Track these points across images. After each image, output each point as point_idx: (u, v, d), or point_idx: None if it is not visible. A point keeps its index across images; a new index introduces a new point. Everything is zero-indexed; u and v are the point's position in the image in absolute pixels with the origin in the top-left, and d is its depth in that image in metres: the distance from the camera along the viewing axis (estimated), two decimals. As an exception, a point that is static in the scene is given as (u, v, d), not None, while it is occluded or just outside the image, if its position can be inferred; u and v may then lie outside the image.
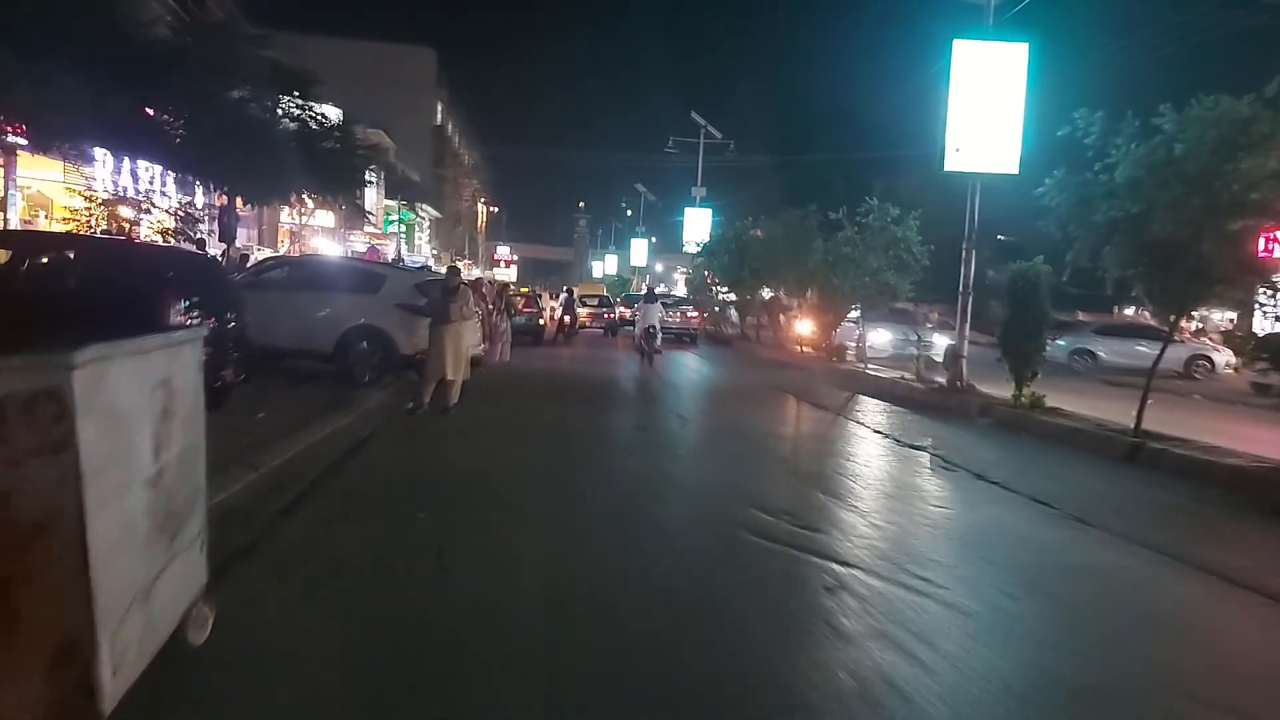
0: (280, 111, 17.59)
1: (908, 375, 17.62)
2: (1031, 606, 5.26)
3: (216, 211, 20.90)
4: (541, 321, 27.11)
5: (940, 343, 18.10)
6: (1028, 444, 11.65)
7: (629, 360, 22.75)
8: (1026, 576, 5.83)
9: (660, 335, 21.64)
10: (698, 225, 44.00)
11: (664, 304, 27.01)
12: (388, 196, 70.27)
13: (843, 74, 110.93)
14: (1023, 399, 13.38)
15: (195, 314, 9.38)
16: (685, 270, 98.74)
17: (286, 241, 49.22)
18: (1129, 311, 47.16)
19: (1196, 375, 25.91)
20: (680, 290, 77.90)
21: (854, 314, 22.06)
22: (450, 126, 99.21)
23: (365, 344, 13.41)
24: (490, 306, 19.40)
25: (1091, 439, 11.17)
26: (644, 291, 28.28)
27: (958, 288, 15.78)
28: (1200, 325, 45.38)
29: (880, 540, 6.37)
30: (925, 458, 10.17)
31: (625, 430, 11.39)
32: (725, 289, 34.98)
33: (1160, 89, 12.46)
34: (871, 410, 14.45)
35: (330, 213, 52.59)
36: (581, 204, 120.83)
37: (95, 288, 8.70)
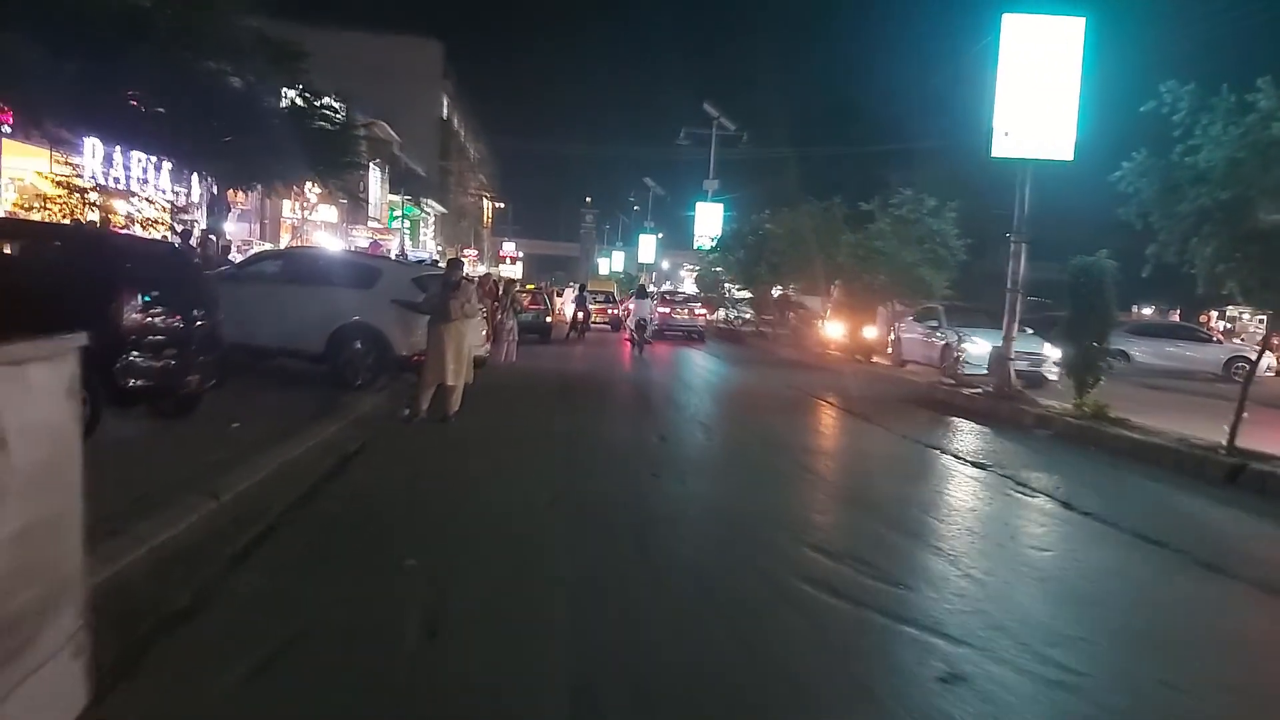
0: (265, 87, 16.13)
1: (947, 380, 16.33)
2: (1208, 703, 3.98)
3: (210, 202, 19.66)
4: (548, 319, 25.84)
5: (980, 347, 16.77)
6: (1103, 462, 10.34)
7: (637, 356, 21.48)
8: (1180, 655, 4.55)
9: (651, 327, 24.54)
10: (709, 220, 42.66)
11: (674, 300, 29.71)
12: (392, 191, 69.24)
13: (861, 64, 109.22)
14: (1085, 408, 12.08)
15: (158, 310, 8.14)
16: (693, 267, 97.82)
17: (288, 236, 48.07)
18: (1146, 310, 45.77)
19: (1236, 377, 24.57)
20: (686, 287, 76.82)
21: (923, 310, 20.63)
22: (456, 120, 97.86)
23: (358, 344, 12.18)
24: (495, 303, 18.14)
25: (1178, 457, 9.85)
26: (637, 289, 30.26)
27: (980, 286, 14.50)
28: (1229, 325, 43.87)
29: (984, 600, 5.08)
30: (995, 479, 8.88)
31: (645, 443, 10.11)
32: (738, 286, 33.67)
33: (1232, 66, 11.19)
34: (916, 419, 13.16)
35: (332, 206, 51.50)
36: (589, 199, 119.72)
37: (32, 279, 7.44)
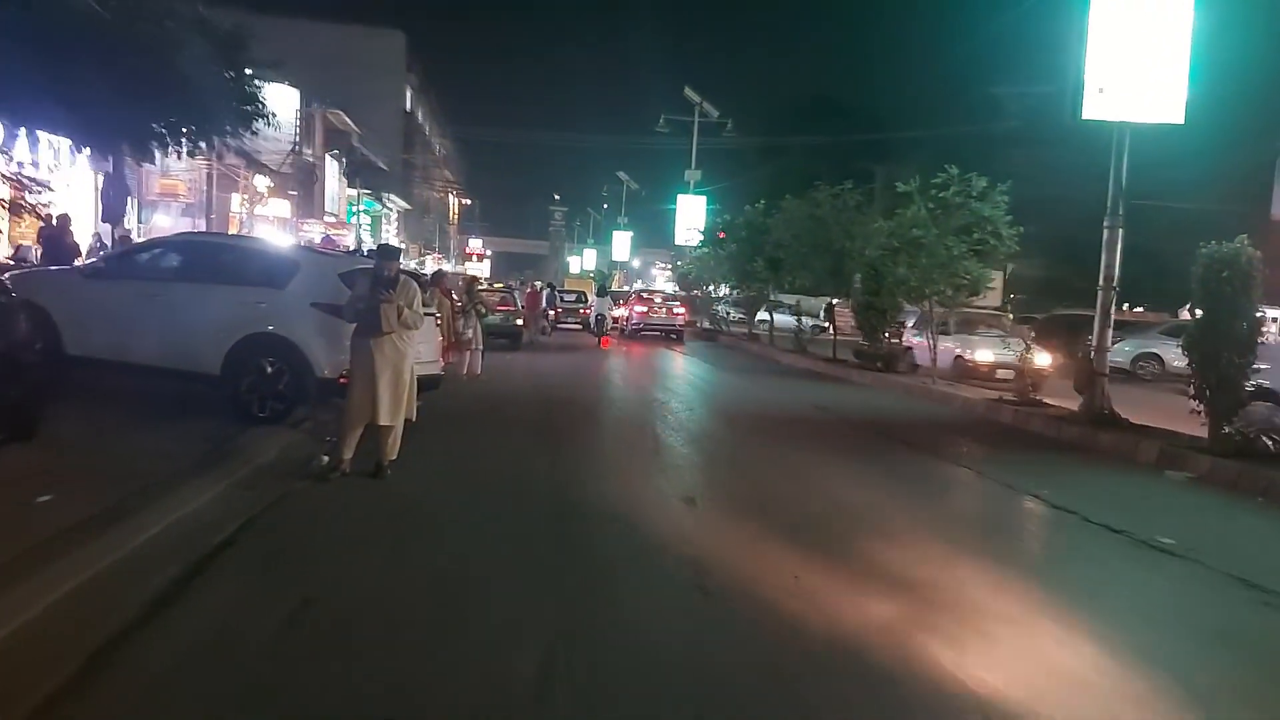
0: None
1: (1008, 396, 13.43)
2: None
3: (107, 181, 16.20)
4: (519, 322, 22.73)
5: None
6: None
7: (625, 367, 18.43)
8: None
9: (609, 322, 29.02)
10: (691, 214, 39.62)
11: (651, 300, 31.02)
12: (351, 185, 65.61)
13: (855, 45, 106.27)
14: (1233, 437, 9.22)
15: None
16: (666, 266, 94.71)
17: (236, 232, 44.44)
18: (1139, 309, 43.30)
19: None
20: (659, 285, 73.75)
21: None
22: (420, 114, 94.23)
23: (267, 362, 9.03)
24: (455, 306, 15.03)
25: None
26: (598, 288, 32.41)
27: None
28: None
29: None
30: (1186, 567, 5.95)
31: (671, 511, 7.04)
32: (730, 284, 30.67)
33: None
34: (1004, 455, 10.25)
35: (284, 200, 47.91)
36: (557, 196, 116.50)
37: None
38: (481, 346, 15.60)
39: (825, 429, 11.95)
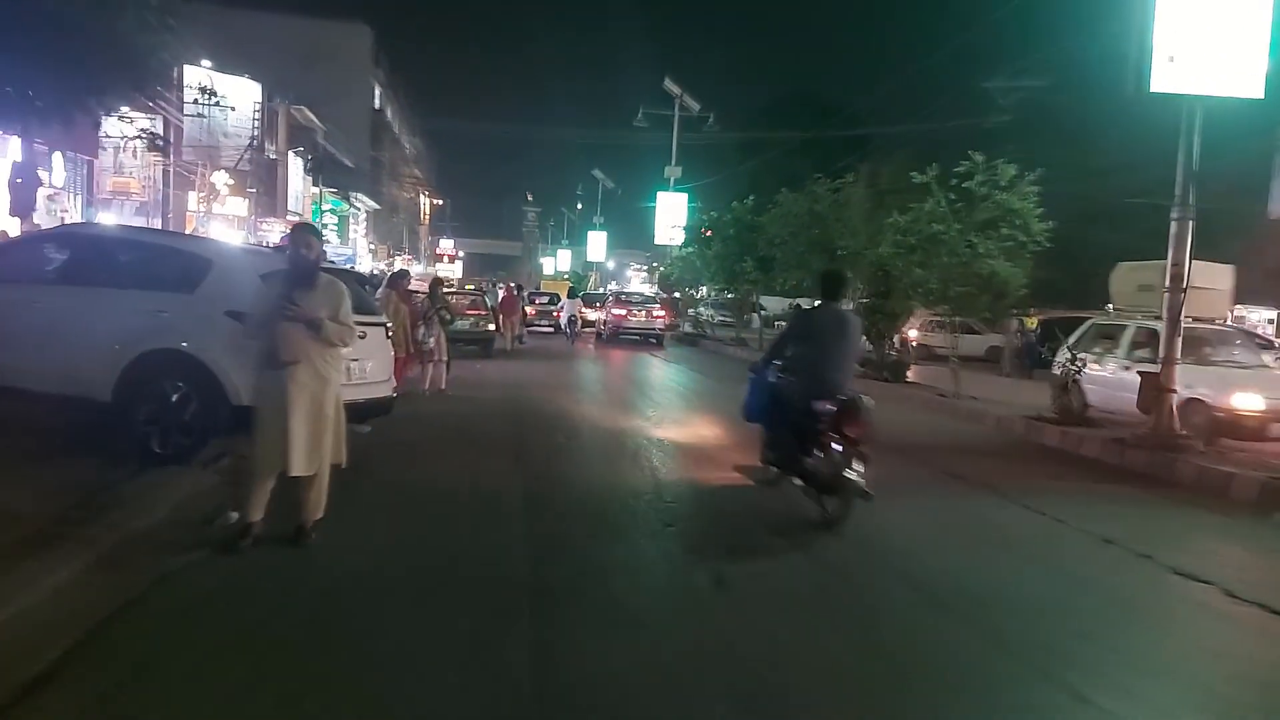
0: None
1: (1046, 414, 11.79)
2: None
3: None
4: (491, 327, 20.84)
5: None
6: None
7: (607, 377, 16.65)
8: None
9: (580, 323, 28.86)
10: (672, 212, 37.85)
11: (629, 303, 29.53)
12: (316, 183, 63.35)
13: (838, 38, 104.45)
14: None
15: None
16: (642, 267, 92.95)
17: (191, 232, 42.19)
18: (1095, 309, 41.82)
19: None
20: (634, 287, 72.02)
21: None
22: (390, 112, 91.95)
23: (170, 385, 7.21)
24: (412, 312, 13.24)
25: None
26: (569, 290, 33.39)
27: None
28: None
29: None
30: None
31: (698, 596, 5.27)
32: (717, 286, 28.95)
33: None
34: (1073, 496, 8.55)
35: (241, 198, 45.68)
36: (530, 196, 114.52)
37: None
38: (447, 358, 13.77)
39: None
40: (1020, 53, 39.75)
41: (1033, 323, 19.08)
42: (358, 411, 8.18)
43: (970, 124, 39.92)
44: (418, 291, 15.13)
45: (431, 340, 13.54)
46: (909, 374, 16.46)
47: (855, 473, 6.32)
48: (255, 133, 44.74)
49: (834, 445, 6.50)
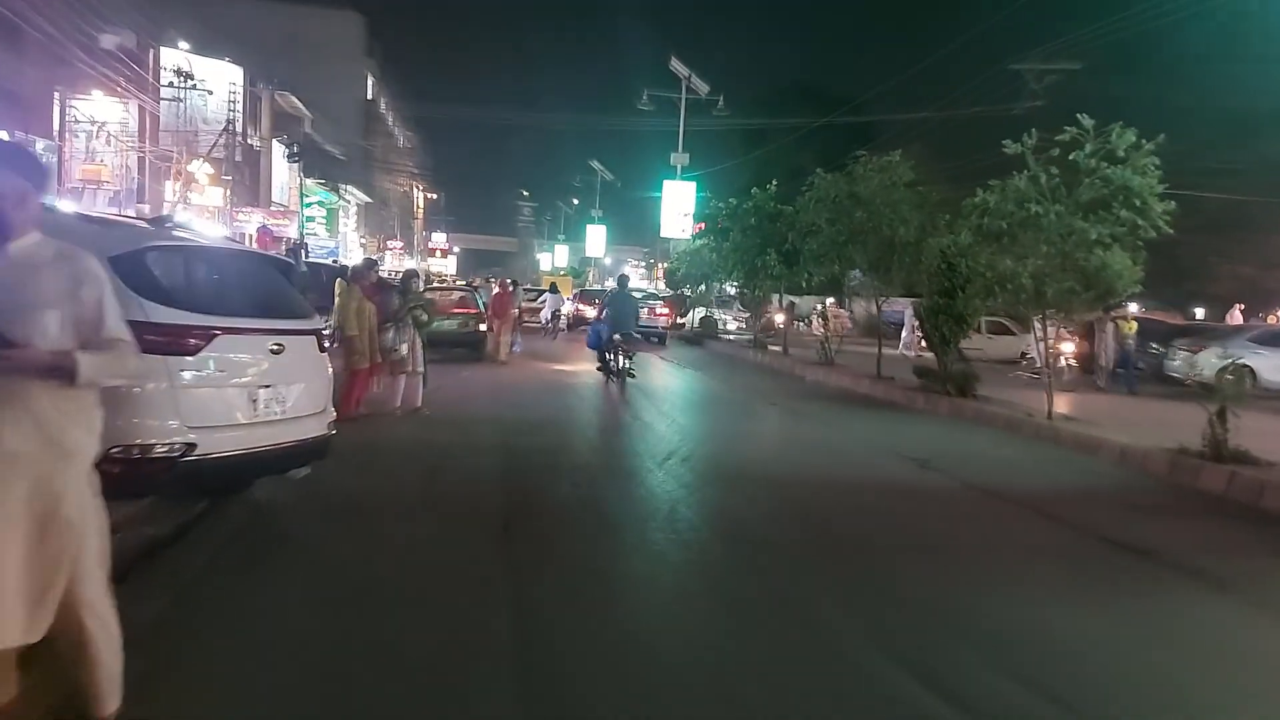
0: None
1: (1189, 447, 9.11)
2: None
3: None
4: (481, 327, 18.11)
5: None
6: None
7: (616, 390, 13.97)
8: None
9: (564, 320, 29.83)
10: (680, 202, 35.16)
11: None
12: (305, 174, 60.56)
13: (856, 18, 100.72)
14: None
15: None
16: (639, 263, 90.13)
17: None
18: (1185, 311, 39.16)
19: None
20: (633, 284, 69.26)
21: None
22: (383, 103, 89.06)
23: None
24: (379, 310, 10.61)
25: None
26: (550, 285, 32.59)
27: None
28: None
29: None
30: None
31: None
32: (735, 283, 26.22)
33: None
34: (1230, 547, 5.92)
35: (220, 187, 42.92)
36: (526, 193, 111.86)
37: None
38: (423, 368, 11.08)
39: (958, 512, 7.47)
40: (1053, 33, 37.22)
41: (1132, 326, 16.36)
42: (268, 465, 5.52)
43: (997, 110, 37.50)
44: (390, 281, 12.44)
45: (404, 347, 10.87)
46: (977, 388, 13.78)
47: (628, 365, 14.15)
48: (231, 115, 41.89)
49: (621, 353, 14.16)
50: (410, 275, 12.04)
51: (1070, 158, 10.64)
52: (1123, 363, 16.29)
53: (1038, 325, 13.07)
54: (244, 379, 5.26)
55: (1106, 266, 10.65)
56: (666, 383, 17.11)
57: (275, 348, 5.41)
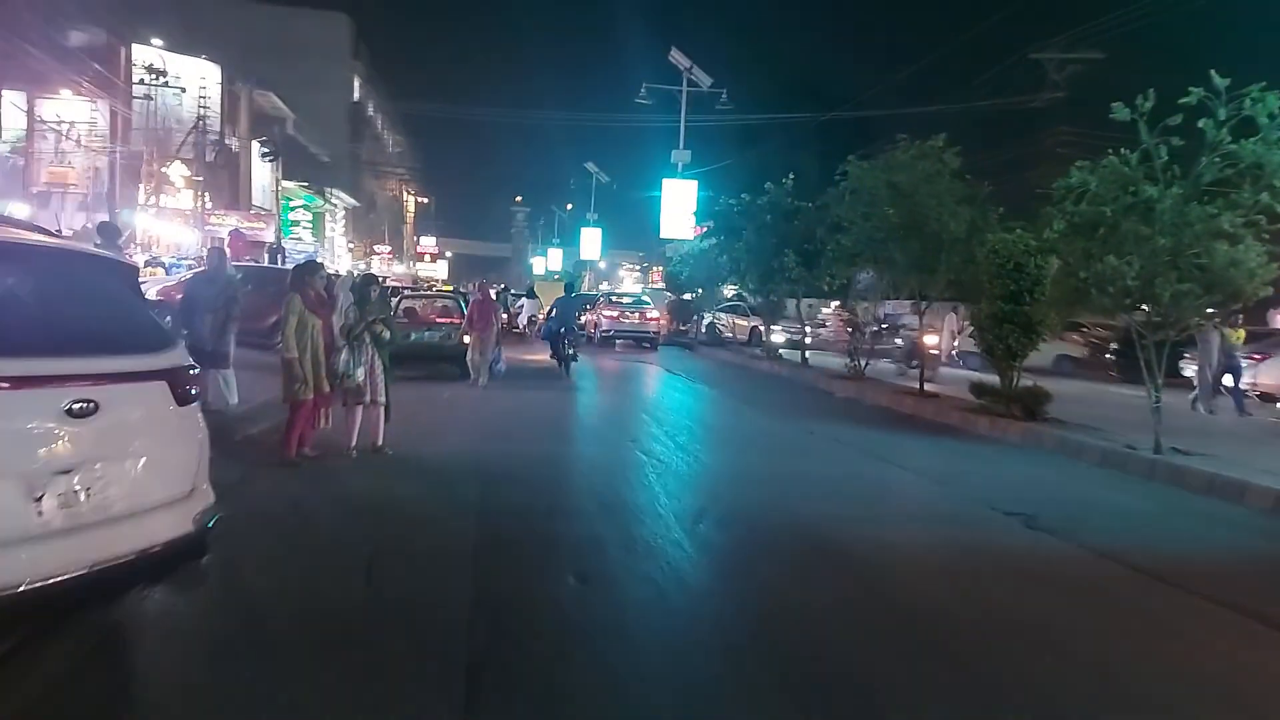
0: None
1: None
2: None
3: None
4: (467, 339, 15.67)
5: None
6: None
7: (615, 411, 11.82)
8: None
9: (539, 324, 27.88)
10: (681, 201, 33.00)
11: (621, 304, 28.18)
12: (286, 177, 58.36)
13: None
14: None
15: None
16: (635, 266, 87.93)
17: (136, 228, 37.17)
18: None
19: None
20: (627, 287, 67.05)
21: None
22: (371, 106, 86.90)
23: None
24: (318, 326, 8.41)
25: None
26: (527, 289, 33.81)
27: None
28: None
29: None
30: None
31: None
32: (749, 288, 24.00)
33: None
34: None
35: (193, 190, 40.70)
36: (519, 198, 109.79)
37: None
38: (385, 398, 8.86)
39: (1119, 609, 5.31)
40: (1071, 21, 35.14)
41: (1240, 335, 14.09)
42: (70, 598, 3.32)
43: (1014, 103, 35.42)
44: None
45: (360, 371, 8.68)
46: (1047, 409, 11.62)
47: (571, 355, 17.07)
48: (202, 112, 39.64)
49: (564, 345, 16.97)
50: (369, 281, 9.81)
51: (1200, 124, 8.47)
52: (1229, 378, 13.86)
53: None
54: (14, 463, 3.09)
55: (1237, 263, 8.50)
56: (676, 402, 14.94)
57: (78, 407, 3.22)
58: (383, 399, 8.79)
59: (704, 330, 30.16)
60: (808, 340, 21.32)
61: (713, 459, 9.71)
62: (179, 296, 10.98)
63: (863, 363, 16.89)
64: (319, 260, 11.63)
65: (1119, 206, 8.90)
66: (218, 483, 4.10)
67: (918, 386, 14.59)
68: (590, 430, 11.52)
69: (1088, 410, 12.32)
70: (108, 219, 19.58)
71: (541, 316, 29.40)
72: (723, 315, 29.81)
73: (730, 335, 29.15)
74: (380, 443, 8.73)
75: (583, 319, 26.08)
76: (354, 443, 8.68)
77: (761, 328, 24.41)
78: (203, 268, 15.57)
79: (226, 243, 30.87)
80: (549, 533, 6.20)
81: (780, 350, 22.56)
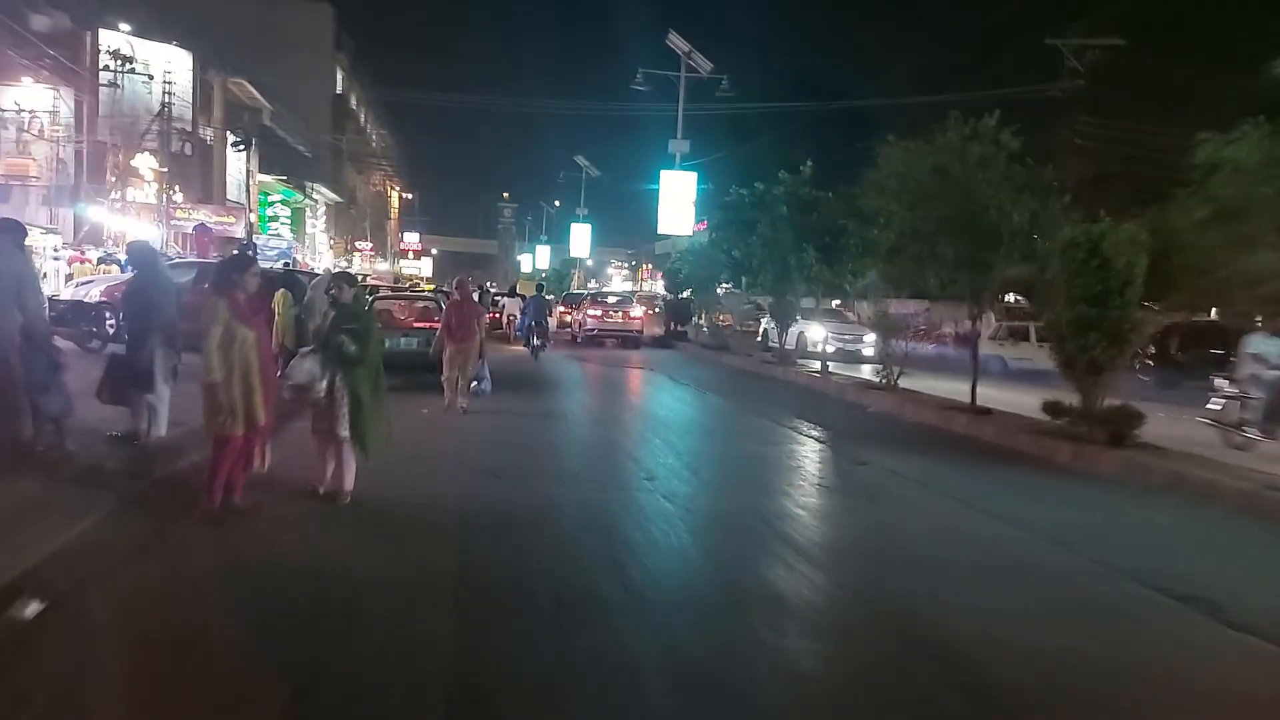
0: None
1: None
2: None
3: None
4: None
5: None
6: None
7: (619, 425, 9.91)
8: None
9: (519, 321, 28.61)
10: (679, 195, 31.05)
11: (605, 303, 28.45)
12: (264, 170, 56.05)
13: None
14: None
15: None
16: (623, 265, 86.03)
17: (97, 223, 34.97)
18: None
19: None
20: (615, 286, 65.24)
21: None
22: (354, 99, 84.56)
23: None
24: (252, 339, 6.38)
25: None
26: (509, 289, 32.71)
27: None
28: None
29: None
30: None
31: None
32: (758, 289, 22.13)
33: None
34: None
35: (159, 184, 38.44)
36: (506, 195, 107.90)
37: None
38: (348, 432, 6.85)
39: None
40: (1091, 7, 33.45)
41: None
42: None
43: (1029, 91, 33.64)
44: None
45: (322, 385, 6.72)
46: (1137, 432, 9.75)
47: (540, 343, 20.27)
48: (167, 99, 37.41)
49: (535, 337, 20.28)
50: (341, 278, 7.80)
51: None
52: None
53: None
54: None
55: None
56: (687, 420, 13.02)
57: None
58: (344, 433, 6.81)
59: (706, 331, 28.30)
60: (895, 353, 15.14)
61: (748, 500, 7.71)
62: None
63: (896, 371, 14.99)
64: (251, 254, 9.59)
65: (1276, 190, 7.03)
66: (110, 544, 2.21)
67: (967, 401, 12.72)
68: (595, 463, 9.56)
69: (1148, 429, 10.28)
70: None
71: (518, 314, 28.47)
72: (728, 316, 28.01)
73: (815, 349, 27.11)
74: (347, 488, 6.77)
75: (553, 314, 27.65)
76: (325, 483, 6.79)
77: (772, 329, 22.42)
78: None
79: (193, 238, 28.74)
80: (556, 632, 4.25)
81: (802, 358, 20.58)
